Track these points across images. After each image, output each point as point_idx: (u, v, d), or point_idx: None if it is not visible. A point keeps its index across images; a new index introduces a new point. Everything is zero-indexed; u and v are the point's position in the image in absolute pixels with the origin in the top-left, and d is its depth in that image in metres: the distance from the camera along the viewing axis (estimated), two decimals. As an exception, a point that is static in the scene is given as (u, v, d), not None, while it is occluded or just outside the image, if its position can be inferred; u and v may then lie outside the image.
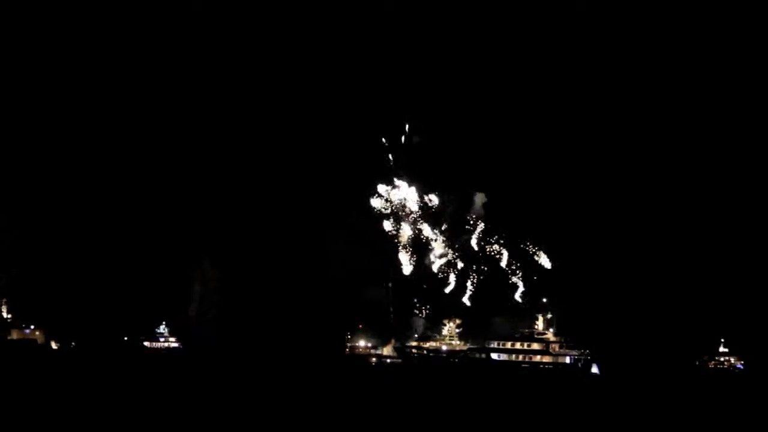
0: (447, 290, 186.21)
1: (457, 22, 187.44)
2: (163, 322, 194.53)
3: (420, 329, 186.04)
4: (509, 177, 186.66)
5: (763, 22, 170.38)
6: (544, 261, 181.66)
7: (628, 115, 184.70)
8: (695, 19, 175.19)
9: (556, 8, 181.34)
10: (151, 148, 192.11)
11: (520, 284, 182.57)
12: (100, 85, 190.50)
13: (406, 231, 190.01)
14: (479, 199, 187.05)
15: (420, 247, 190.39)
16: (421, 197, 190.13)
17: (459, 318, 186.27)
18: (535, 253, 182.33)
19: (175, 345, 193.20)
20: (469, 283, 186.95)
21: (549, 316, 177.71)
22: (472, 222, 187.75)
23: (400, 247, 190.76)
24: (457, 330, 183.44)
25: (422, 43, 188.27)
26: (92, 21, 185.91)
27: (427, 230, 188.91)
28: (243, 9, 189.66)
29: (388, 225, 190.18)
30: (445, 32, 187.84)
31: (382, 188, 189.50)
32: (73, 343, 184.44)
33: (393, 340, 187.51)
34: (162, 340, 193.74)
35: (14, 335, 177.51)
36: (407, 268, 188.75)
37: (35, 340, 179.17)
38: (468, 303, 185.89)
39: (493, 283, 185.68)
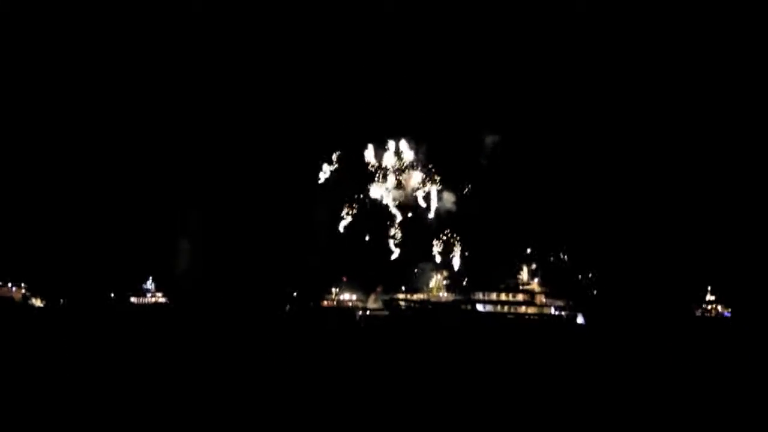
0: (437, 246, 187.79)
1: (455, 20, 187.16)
2: (150, 277, 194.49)
3: (409, 281, 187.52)
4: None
5: (763, 22, 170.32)
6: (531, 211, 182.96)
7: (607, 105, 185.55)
8: (695, 19, 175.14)
9: (556, 8, 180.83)
10: (134, 108, 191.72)
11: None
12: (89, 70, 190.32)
13: (395, 188, 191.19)
14: (490, 141, 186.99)
15: (411, 203, 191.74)
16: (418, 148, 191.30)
17: (446, 269, 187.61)
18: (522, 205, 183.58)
19: (162, 300, 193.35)
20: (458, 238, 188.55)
21: (534, 266, 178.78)
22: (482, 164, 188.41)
23: (389, 203, 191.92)
24: (444, 282, 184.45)
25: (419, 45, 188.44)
26: (92, 21, 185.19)
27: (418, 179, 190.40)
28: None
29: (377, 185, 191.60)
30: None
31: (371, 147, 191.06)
32: (61, 301, 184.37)
33: (379, 293, 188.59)
34: (149, 295, 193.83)
35: None
36: (395, 221, 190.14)
37: (12, 298, 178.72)
38: (457, 255, 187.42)
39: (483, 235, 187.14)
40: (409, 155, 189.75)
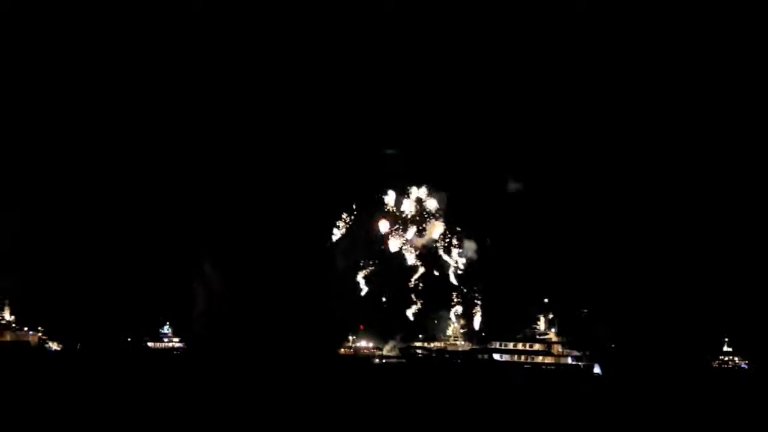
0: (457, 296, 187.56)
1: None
2: (167, 323, 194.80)
3: (427, 329, 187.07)
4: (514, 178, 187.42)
5: (763, 22, 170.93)
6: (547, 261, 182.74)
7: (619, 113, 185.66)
8: (695, 19, 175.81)
9: (556, 8, 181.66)
10: (154, 148, 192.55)
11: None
12: (102, 88, 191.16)
13: (415, 236, 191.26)
14: (512, 188, 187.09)
15: (430, 250, 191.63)
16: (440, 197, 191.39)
17: (464, 318, 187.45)
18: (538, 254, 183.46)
19: (179, 345, 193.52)
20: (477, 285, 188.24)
21: (551, 316, 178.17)
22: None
23: (407, 249, 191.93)
24: (462, 330, 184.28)
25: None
26: (92, 21, 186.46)
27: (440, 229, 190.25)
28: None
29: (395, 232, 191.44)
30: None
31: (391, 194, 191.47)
32: (78, 345, 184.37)
33: (396, 340, 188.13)
34: (166, 340, 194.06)
35: (8, 337, 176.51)
36: (415, 271, 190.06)
37: (28, 342, 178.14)
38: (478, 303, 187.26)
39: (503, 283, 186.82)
40: (430, 204, 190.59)
